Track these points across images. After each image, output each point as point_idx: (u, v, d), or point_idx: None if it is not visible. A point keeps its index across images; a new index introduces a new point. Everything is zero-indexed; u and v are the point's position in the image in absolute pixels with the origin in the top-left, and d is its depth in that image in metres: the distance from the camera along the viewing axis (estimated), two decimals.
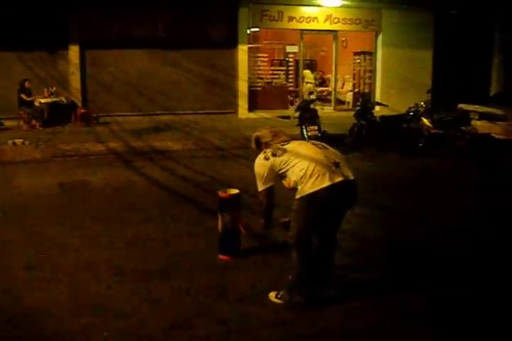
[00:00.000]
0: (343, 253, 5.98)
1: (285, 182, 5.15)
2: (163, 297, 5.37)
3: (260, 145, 5.42)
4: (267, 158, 5.16)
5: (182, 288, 5.56)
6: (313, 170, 4.89)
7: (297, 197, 4.99)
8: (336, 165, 5.00)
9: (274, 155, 5.13)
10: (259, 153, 5.33)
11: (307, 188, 4.89)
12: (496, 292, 5.51)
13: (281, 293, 5.21)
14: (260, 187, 5.26)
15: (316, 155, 5.04)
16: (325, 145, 5.34)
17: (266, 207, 5.39)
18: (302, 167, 4.95)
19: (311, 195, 4.88)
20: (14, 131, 14.93)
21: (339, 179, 4.90)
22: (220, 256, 6.33)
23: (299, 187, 4.96)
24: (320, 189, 4.85)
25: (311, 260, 5.13)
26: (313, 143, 5.41)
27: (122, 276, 5.85)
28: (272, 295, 5.27)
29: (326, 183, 4.85)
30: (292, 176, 5.02)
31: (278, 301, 5.20)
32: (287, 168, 5.05)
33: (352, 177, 5.03)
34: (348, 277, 5.77)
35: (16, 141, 13.02)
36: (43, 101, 15.94)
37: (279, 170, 5.11)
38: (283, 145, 5.21)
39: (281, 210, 5.67)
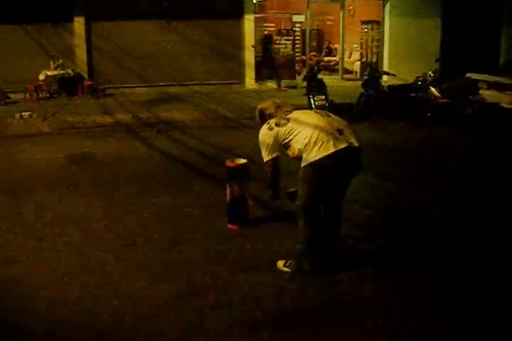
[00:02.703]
0: (349, 223, 5.99)
1: (290, 152, 5.15)
2: (171, 266, 5.42)
3: (264, 117, 5.41)
4: (270, 129, 5.16)
5: (191, 258, 5.61)
6: (317, 137, 4.89)
7: (302, 165, 4.99)
8: (340, 132, 4.99)
9: (277, 125, 5.13)
10: (263, 125, 5.33)
11: (312, 155, 4.89)
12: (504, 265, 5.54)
13: (289, 261, 5.25)
14: (265, 158, 5.26)
15: (320, 122, 5.03)
16: (328, 113, 5.36)
17: (272, 178, 5.39)
18: (306, 135, 4.95)
19: (316, 162, 4.88)
20: (21, 104, 14.93)
21: (343, 145, 4.89)
22: (229, 226, 6.37)
23: (304, 155, 4.96)
24: (325, 156, 4.85)
25: (318, 229, 5.15)
26: (316, 112, 5.42)
27: (131, 246, 5.90)
28: (280, 263, 5.31)
29: (331, 150, 4.85)
30: (296, 145, 5.02)
31: (286, 269, 5.23)
32: (291, 137, 5.05)
33: (356, 144, 5.02)
34: (355, 246, 5.81)
35: (23, 114, 13.04)
36: (49, 73, 15.92)
37: (284, 140, 5.11)
38: (286, 115, 5.21)
39: (287, 180, 5.67)
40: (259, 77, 18.59)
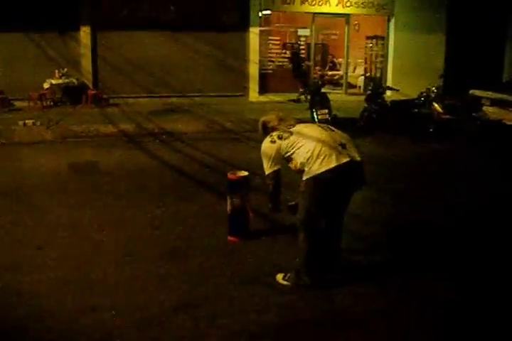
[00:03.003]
0: (350, 236, 5.98)
1: (291, 165, 5.16)
2: (171, 277, 5.41)
3: (267, 130, 5.43)
4: (273, 142, 5.17)
5: (190, 269, 5.60)
6: (320, 151, 4.90)
7: (304, 178, 5.00)
8: (343, 146, 5.00)
9: (280, 138, 5.14)
10: (266, 137, 5.34)
11: (314, 169, 4.90)
12: (504, 274, 5.54)
13: (288, 274, 5.25)
14: (267, 171, 5.27)
15: (322, 136, 5.04)
16: (331, 127, 5.35)
17: (273, 191, 5.40)
18: (308, 148, 4.95)
19: (318, 176, 4.89)
20: (25, 111, 14.96)
21: (345, 160, 4.90)
22: (229, 238, 6.36)
23: (306, 169, 4.97)
24: (327, 169, 4.85)
25: (318, 242, 5.15)
26: (319, 126, 5.43)
27: (131, 257, 5.90)
28: (279, 276, 5.30)
29: (333, 164, 4.85)
30: (298, 158, 5.02)
31: (285, 283, 5.23)
32: (293, 150, 5.06)
33: (359, 159, 5.02)
34: (355, 260, 5.80)
35: (27, 121, 13.04)
36: (54, 82, 15.97)
37: (286, 153, 5.12)
38: (289, 128, 5.22)
39: (288, 194, 5.67)
40: (263, 90, 18.65)
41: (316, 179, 4.91)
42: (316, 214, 5.09)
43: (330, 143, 4.97)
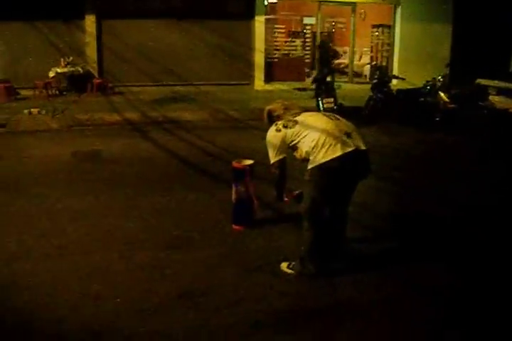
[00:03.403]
0: (355, 226, 5.97)
1: (297, 154, 5.14)
2: (175, 266, 5.41)
3: (272, 119, 5.40)
4: (278, 130, 5.15)
5: (194, 258, 5.60)
6: (325, 140, 4.87)
7: (309, 167, 4.98)
8: (348, 135, 4.97)
9: (285, 127, 5.12)
10: (271, 126, 5.33)
11: (319, 158, 4.88)
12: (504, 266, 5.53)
13: (293, 263, 5.25)
14: (272, 159, 5.26)
15: (327, 125, 5.01)
16: (336, 116, 5.32)
17: (278, 179, 5.39)
18: (313, 137, 4.93)
19: (323, 165, 4.87)
20: (30, 100, 14.97)
21: (350, 149, 4.87)
22: (234, 226, 6.36)
23: (311, 158, 4.95)
24: (332, 159, 4.83)
25: (323, 231, 5.14)
26: (324, 114, 5.40)
27: (134, 245, 5.90)
28: (284, 265, 5.31)
29: (338, 153, 4.83)
30: (304, 147, 5.01)
31: (290, 271, 5.23)
32: (298, 139, 5.04)
33: (364, 147, 5.00)
34: (360, 249, 5.79)
35: (32, 110, 13.04)
36: (59, 71, 15.98)
37: (291, 142, 5.10)
38: (294, 117, 5.20)
39: (293, 183, 5.66)
40: (268, 79, 18.61)
41: (321, 168, 4.89)
42: (321, 203, 5.07)
43: (335, 132, 4.94)
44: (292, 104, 5.57)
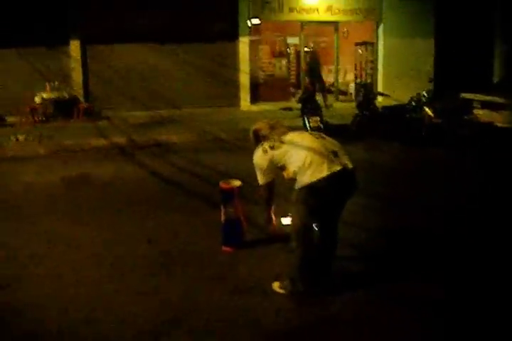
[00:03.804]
0: (344, 243, 5.95)
1: (285, 174, 5.15)
2: (165, 289, 5.39)
3: (258, 138, 5.40)
4: (265, 152, 5.15)
5: (184, 280, 5.58)
6: (312, 160, 4.88)
7: (296, 187, 5.00)
8: (335, 154, 4.99)
9: (272, 148, 5.12)
10: (257, 146, 5.33)
11: (306, 178, 4.89)
12: (496, 279, 5.54)
13: (284, 283, 5.24)
14: (260, 181, 5.29)
15: (314, 144, 5.02)
16: (322, 135, 5.34)
17: (266, 201, 5.42)
18: (300, 158, 4.93)
19: (310, 185, 4.87)
20: (16, 126, 14.94)
21: (337, 168, 4.89)
22: (223, 248, 6.35)
23: (298, 178, 4.96)
24: (318, 179, 4.84)
25: (312, 250, 5.14)
26: (310, 134, 5.43)
27: (124, 270, 5.88)
28: (275, 285, 5.29)
29: (325, 173, 4.84)
30: (291, 167, 5.01)
31: (281, 291, 5.22)
32: (286, 159, 5.05)
33: (351, 166, 5.01)
34: (350, 267, 5.79)
35: (19, 136, 13.04)
36: (45, 96, 15.97)
37: (279, 163, 5.11)
38: (280, 137, 5.20)
39: (282, 204, 5.68)
40: (254, 99, 18.67)
41: (308, 188, 4.90)
42: (308, 222, 5.08)
43: (321, 152, 4.96)
44: (278, 122, 5.56)
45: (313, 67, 19.15)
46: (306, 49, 19.86)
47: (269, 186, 5.28)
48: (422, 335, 4.52)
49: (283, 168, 5.13)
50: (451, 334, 4.54)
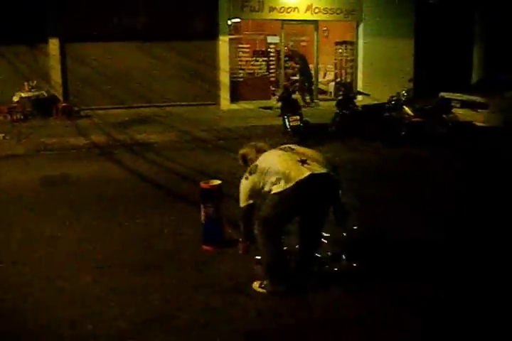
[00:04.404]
0: (326, 243, 6.00)
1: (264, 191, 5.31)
2: (145, 289, 5.37)
3: (247, 162, 5.60)
4: (246, 178, 5.36)
5: (165, 281, 5.57)
6: (282, 173, 5.05)
7: (271, 193, 5.14)
8: (303, 162, 5.14)
9: (250, 173, 5.31)
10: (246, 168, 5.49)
11: (276, 187, 5.07)
12: (483, 280, 5.57)
13: (264, 282, 5.26)
14: (241, 204, 5.43)
15: (280, 158, 5.23)
16: (292, 146, 5.52)
17: (245, 223, 5.53)
18: (271, 175, 5.12)
19: (281, 193, 5.04)
20: None
21: (305, 174, 5.02)
22: (204, 247, 6.34)
23: (272, 190, 5.14)
24: (286, 188, 5.01)
25: (279, 249, 5.24)
26: (280, 148, 5.54)
27: (106, 270, 5.85)
28: (255, 284, 5.32)
29: (292, 183, 5.00)
30: (267, 186, 5.19)
31: (261, 290, 5.24)
32: (263, 178, 5.21)
33: (322, 171, 5.11)
34: (331, 267, 5.81)
35: None
36: (23, 95, 15.84)
37: (260, 184, 5.25)
38: (256, 159, 5.41)
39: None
40: (234, 98, 18.65)
41: (279, 196, 5.07)
42: (276, 225, 5.18)
43: (288, 163, 5.14)
44: (264, 145, 5.76)
45: (304, 66, 19.22)
46: (285, 49, 19.83)
47: (249, 209, 5.41)
48: (409, 337, 4.54)
49: (264, 188, 5.24)
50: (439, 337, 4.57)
